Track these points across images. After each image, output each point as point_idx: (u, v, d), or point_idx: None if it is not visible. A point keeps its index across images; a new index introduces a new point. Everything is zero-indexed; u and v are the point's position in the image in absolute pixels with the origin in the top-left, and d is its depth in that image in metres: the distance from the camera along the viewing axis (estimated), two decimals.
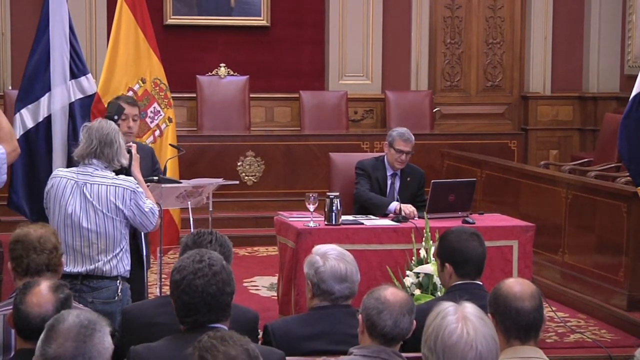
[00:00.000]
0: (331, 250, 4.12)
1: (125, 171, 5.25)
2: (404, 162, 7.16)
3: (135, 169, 5.39)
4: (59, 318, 2.85)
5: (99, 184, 4.95)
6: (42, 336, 2.86)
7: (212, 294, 3.37)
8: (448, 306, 2.88)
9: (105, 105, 6.86)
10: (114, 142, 4.99)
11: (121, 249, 5.00)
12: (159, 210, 5.22)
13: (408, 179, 7.18)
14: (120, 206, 4.94)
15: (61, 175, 5.04)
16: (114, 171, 5.08)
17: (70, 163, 6.16)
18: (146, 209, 5.01)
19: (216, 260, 3.45)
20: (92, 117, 6.58)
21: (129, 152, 5.31)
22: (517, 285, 3.44)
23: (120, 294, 4.98)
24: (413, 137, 7.22)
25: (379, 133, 10.62)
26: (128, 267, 5.07)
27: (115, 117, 5.59)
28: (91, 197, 4.92)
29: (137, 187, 5.03)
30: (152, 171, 6.09)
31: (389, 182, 7.21)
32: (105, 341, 2.83)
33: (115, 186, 4.95)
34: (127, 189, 4.96)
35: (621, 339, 6.82)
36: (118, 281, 4.99)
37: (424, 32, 11.80)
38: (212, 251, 3.55)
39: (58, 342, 2.79)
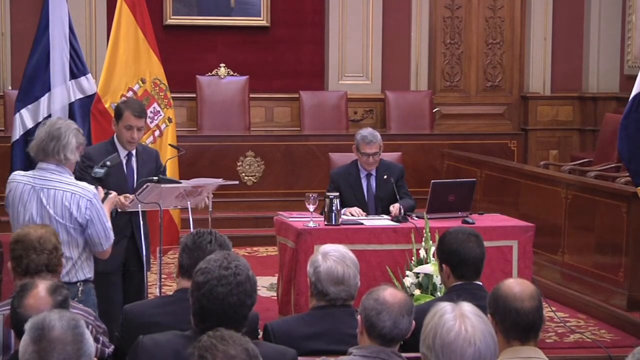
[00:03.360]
0: (334, 251, 4.08)
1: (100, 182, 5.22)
2: (372, 163, 7.09)
3: (106, 208, 5.11)
4: (44, 324, 2.82)
5: (55, 189, 4.84)
6: (27, 339, 2.82)
7: (232, 304, 3.30)
8: (445, 305, 2.88)
9: (106, 106, 6.86)
10: (61, 137, 4.84)
11: (79, 257, 4.88)
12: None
13: (384, 177, 7.12)
14: (75, 213, 4.81)
15: (18, 180, 4.92)
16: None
17: None
18: (100, 226, 4.86)
19: (242, 269, 3.36)
20: (91, 117, 6.59)
21: (107, 194, 5.18)
22: (516, 286, 3.45)
23: (80, 295, 4.86)
24: (378, 136, 7.10)
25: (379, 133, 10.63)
26: (89, 275, 4.96)
27: (108, 163, 5.57)
28: (46, 203, 4.82)
29: (95, 198, 4.88)
30: (155, 174, 6.06)
31: (363, 183, 7.16)
32: (89, 334, 2.88)
33: (72, 192, 4.84)
34: (83, 196, 4.84)
35: (621, 339, 6.82)
36: (78, 284, 4.89)
37: (423, 32, 11.81)
38: (241, 258, 3.45)
39: (58, 350, 2.78)
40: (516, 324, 3.38)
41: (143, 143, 6.71)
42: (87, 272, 4.94)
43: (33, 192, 4.84)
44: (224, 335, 2.71)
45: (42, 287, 3.42)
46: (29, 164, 6.18)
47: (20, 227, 4.76)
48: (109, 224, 4.96)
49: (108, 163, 5.58)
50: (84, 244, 4.90)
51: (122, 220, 5.90)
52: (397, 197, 6.92)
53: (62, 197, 4.82)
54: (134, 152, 6.03)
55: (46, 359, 2.79)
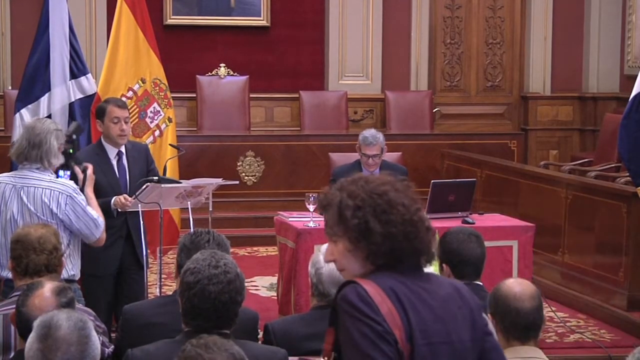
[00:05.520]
0: None
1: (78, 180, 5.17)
2: (372, 165, 7.11)
3: (89, 188, 5.14)
4: (52, 323, 2.83)
5: (35, 187, 4.85)
6: (33, 336, 2.84)
7: (224, 302, 3.31)
8: None
9: None
10: (43, 143, 4.86)
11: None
12: (104, 223, 5.05)
13: None
14: (55, 210, 4.82)
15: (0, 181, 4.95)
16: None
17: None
18: (86, 216, 4.86)
19: (231, 267, 3.37)
20: (91, 117, 6.59)
21: (84, 171, 5.15)
22: (517, 286, 3.45)
23: None
24: (380, 138, 7.13)
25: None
26: (73, 272, 4.96)
27: (74, 137, 5.50)
28: (27, 201, 4.83)
29: (75, 192, 4.88)
30: (147, 171, 6.04)
31: None
32: (96, 336, 2.88)
33: (51, 189, 4.85)
34: (62, 192, 4.85)
35: (621, 339, 6.82)
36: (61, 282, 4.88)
37: (423, 32, 11.80)
38: (227, 255, 3.47)
39: (62, 350, 2.79)
40: (516, 323, 3.38)
41: (143, 142, 6.71)
42: (70, 269, 4.92)
43: (14, 191, 4.86)
44: (208, 343, 2.63)
45: (47, 287, 3.42)
46: None
47: (3, 226, 4.83)
48: (94, 213, 4.93)
49: (74, 137, 5.48)
50: (67, 241, 4.89)
51: (118, 221, 5.88)
52: None
53: (41, 194, 4.84)
54: (123, 150, 6.00)
55: (50, 358, 2.79)
